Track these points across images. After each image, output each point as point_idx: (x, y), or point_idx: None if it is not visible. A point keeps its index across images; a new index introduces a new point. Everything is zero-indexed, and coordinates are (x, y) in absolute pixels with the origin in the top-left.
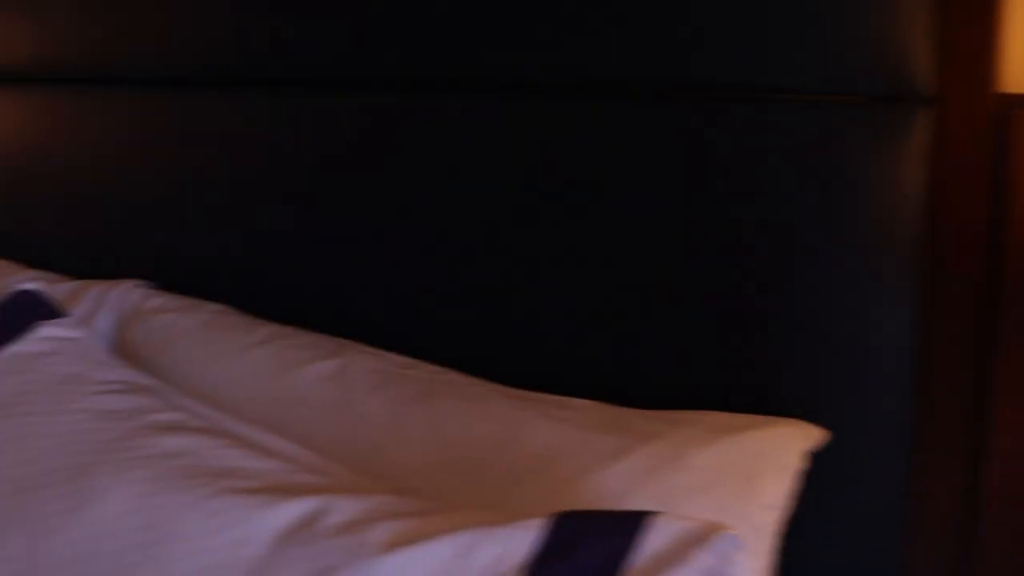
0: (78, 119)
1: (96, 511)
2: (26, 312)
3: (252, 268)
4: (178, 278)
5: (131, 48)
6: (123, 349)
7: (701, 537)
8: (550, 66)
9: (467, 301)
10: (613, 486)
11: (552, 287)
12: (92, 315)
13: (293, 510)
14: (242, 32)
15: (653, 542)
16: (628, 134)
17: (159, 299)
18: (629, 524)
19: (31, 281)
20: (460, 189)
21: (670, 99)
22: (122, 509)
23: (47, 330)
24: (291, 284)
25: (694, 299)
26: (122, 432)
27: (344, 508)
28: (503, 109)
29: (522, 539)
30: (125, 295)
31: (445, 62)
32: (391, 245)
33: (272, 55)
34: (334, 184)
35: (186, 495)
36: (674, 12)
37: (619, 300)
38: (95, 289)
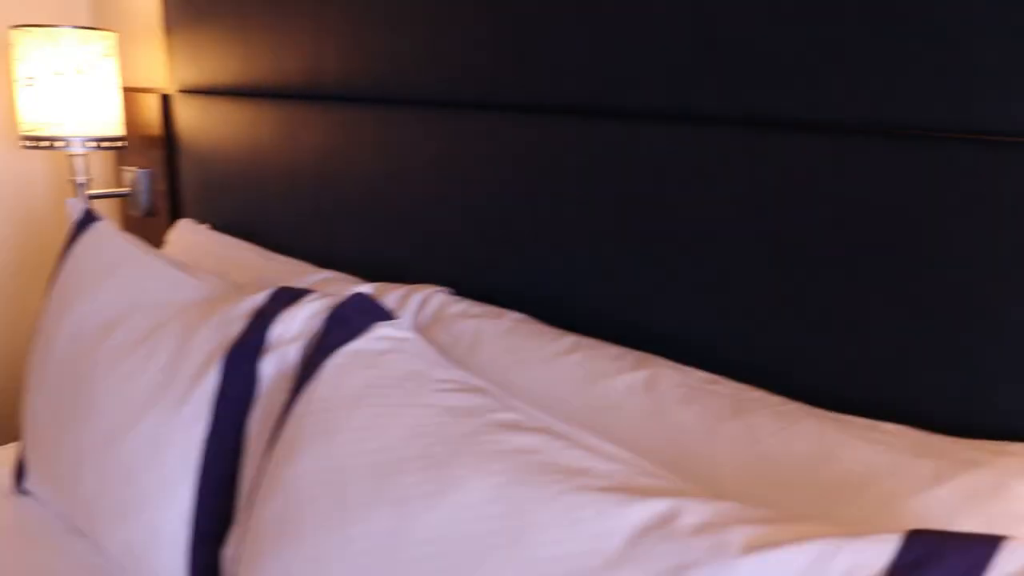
0: (373, 134)
1: (458, 498)
2: (364, 313)
3: (543, 280)
4: (463, 284)
5: (431, 72)
6: None
7: None
8: (849, 108)
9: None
10: (934, 510)
11: (874, 320)
12: None
13: (649, 509)
14: (552, 61)
15: (1007, 565)
16: (935, 175)
17: (460, 304)
18: (985, 545)
19: (327, 280)
20: (766, 221)
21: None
22: (483, 498)
23: (383, 330)
24: (584, 298)
25: (1009, 338)
26: (472, 428)
27: (698, 510)
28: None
29: (879, 551)
30: (427, 299)
31: (761, 99)
32: (686, 271)
33: (591, 86)
34: (637, 212)
35: (543, 489)
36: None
37: (943, 334)
38: (397, 292)
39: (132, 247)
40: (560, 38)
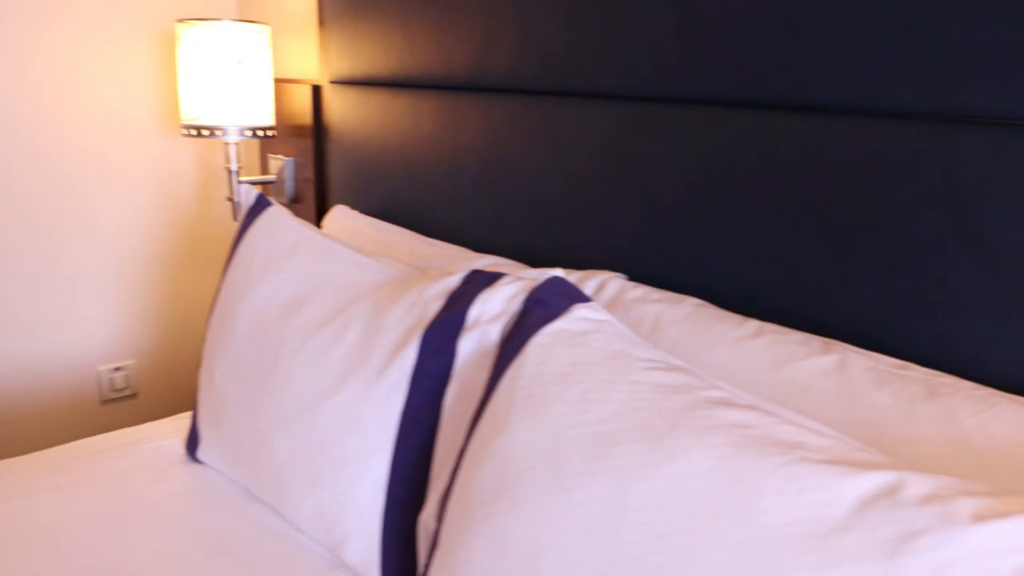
0: (543, 125)
1: (680, 467)
2: (562, 295)
3: (716, 270)
4: (630, 272)
5: (607, 65)
6: None
7: None
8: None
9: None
10: None
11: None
12: None
13: (872, 480)
14: (734, 55)
15: None
16: None
17: (638, 290)
18: None
19: (495, 264)
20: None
21: None
22: (705, 468)
23: (582, 312)
24: (760, 289)
25: None
26: (685, 404)
27: (920, 482)
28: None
29: None
30: (604, 284)
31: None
32: (873, 264)
33: (774, 80)
34: (819, 205)
35: (764, 460)
36: None
37: None
38: (572, 276)
39: (308, 230)
40: (743, 32)
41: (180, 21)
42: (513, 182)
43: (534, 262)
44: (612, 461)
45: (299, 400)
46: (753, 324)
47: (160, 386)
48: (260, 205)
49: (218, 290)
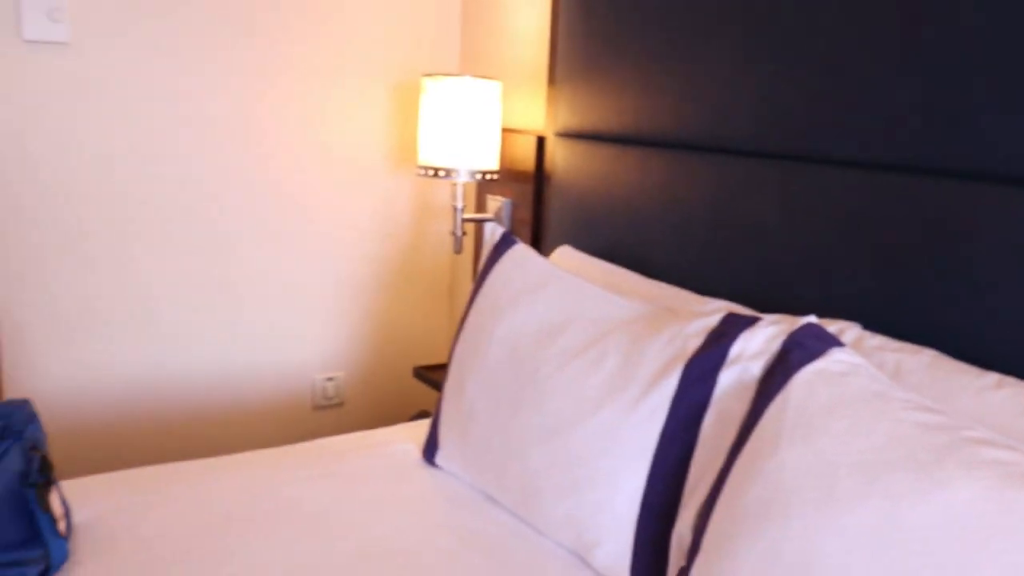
0: (778, 189)
1: (948, 494)
2: (818, 339)
3: (948, 324)
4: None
5: (849, 132)
6: None
7: None
8: None
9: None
10: None
11: None
12: None
13: None
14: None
15: None
16: None
17: (876, 339)
18: None
19: (728, 307)
20: None
21: None
22: (973, 497)
23: (839, 355)
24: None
25: None
26: (947, 441)
27: None
28: None
29: None
30: (841, 332)
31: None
32: None
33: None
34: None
35: None
36: None
37: None
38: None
39: (554, 267)
40: (986, 110)
41: (426, 75)
42: (739, 235)
43: (757, 309)
44: (882, 486)
45: (556, 418)
46: (993, 376)
47: (364, 397)
48: (506, 242)
49: (465, 315)
